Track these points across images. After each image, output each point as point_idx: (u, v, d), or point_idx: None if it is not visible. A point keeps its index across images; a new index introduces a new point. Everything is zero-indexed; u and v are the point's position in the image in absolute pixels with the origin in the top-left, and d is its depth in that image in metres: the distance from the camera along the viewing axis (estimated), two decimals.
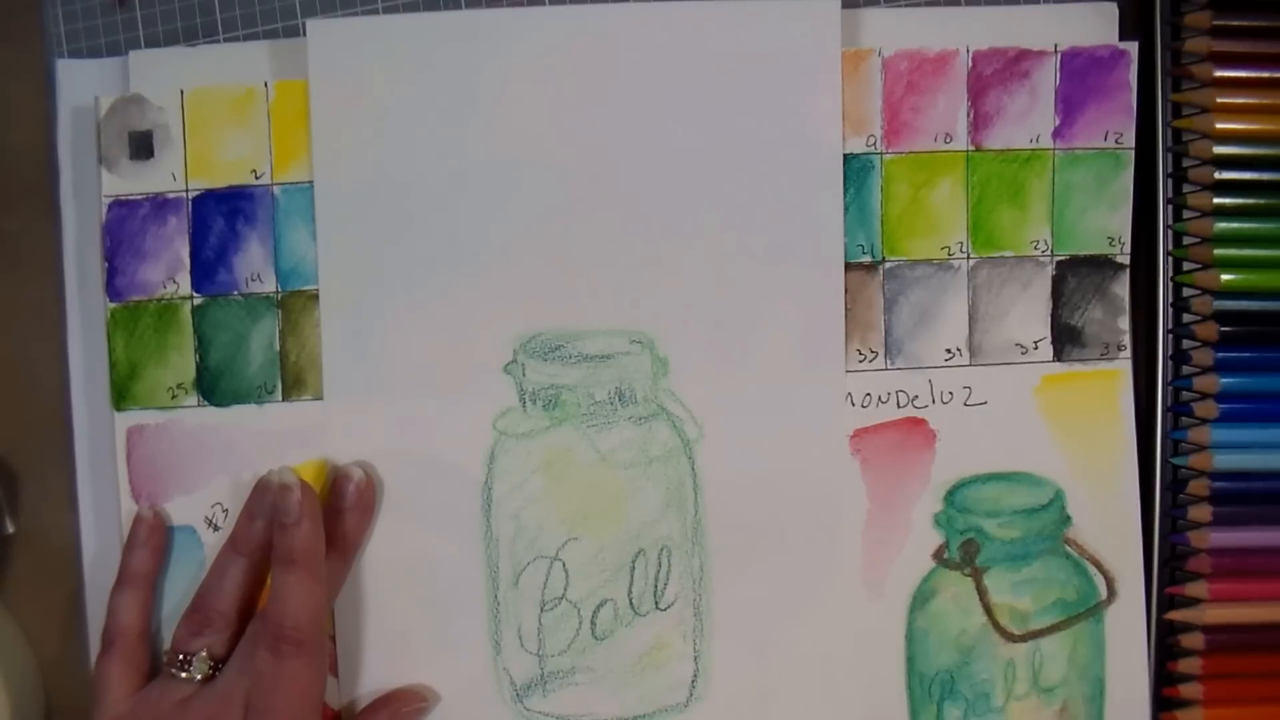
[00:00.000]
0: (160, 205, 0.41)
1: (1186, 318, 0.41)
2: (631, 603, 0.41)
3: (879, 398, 0.41)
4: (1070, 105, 0.41)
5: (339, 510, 0.39)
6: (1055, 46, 0.41)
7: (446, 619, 0.41)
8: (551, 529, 0.41)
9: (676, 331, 0.41)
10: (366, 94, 0.40)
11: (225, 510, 0.41)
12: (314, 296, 0.41)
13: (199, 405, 0.41)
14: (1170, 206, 0.41)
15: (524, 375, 0.41)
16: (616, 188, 0.41)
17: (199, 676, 0.38)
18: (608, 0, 0.41)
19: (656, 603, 0.41)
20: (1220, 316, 0.41)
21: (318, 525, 0.37)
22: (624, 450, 0.41)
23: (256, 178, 0.41)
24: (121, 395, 0.41)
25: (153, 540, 0.40)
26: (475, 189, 0.40)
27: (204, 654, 0.38)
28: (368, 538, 0.40)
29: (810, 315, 0.41)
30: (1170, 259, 0.41)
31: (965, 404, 0.41)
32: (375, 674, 0.41)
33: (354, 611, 0.41)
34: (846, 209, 0.41)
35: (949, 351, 0.41)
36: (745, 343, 0.41)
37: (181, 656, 0.38)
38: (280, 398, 0.41)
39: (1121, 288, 0.41)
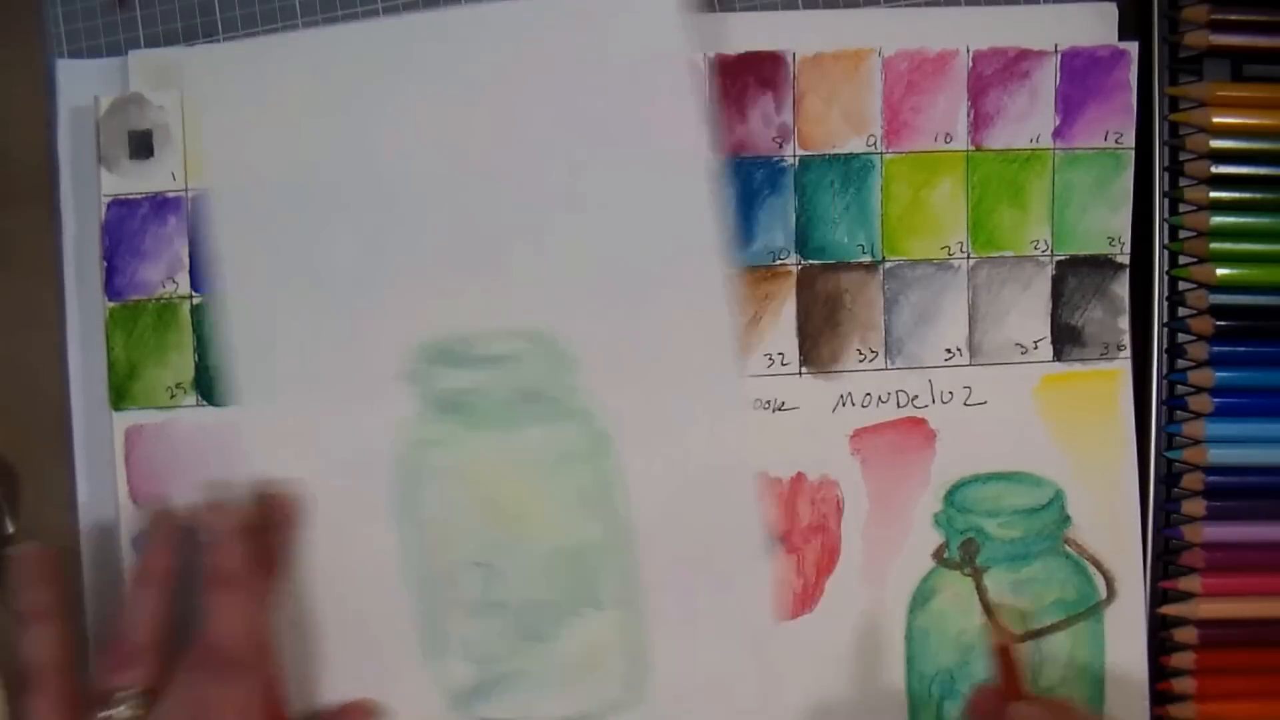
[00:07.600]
0: (160, 205, 0.41)
1: (1182, 312, 0.42)
2: (565, 603, 0.40)
3: (879, 397, 0.41)
4: (1070, 105, 0.41)
5: (265, 526, 0.38)
6: (1055, 46, 0.41)
7: (378, 632, 0.40)
8: (472, 534, 0.40)
9: (580, 329, 0.39)
10: (254, 108, 0.40)
11: None
12: None
13: (198, 405, 0.41)
14: (1166, 200, 0.41)
15: (427, 381, 0.40)
16: (504, 191, 0.39)
17: (130, 715, 0.35)
18: (475, 1, 0.40)
19: (590, 602, 0.40)
20: (1215, 311, 0.41)
21: (245, 543, 0.36)
22: (534, 450, 0.40)
23: None
24: (120, 395, 0.41)
25: (163, 535, 0.38)
26: (364, 199, 0.40)
27: (134, 689, 0.35)
28: (297, 553, 0.39)
29: (696, 322, 0.39)
30: (1166, 253, 0.41)
31: (965, 404, 0.41)
32: (316, 690, 0.39)
33: (290, 628, 0.39)
34: (847, 209, 0.41)
35: (949, 351, 0.41)
36: (646, 344, 0.40)
37: (109, 695, 0.35)
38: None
39: (1121, 287, 0.41)
